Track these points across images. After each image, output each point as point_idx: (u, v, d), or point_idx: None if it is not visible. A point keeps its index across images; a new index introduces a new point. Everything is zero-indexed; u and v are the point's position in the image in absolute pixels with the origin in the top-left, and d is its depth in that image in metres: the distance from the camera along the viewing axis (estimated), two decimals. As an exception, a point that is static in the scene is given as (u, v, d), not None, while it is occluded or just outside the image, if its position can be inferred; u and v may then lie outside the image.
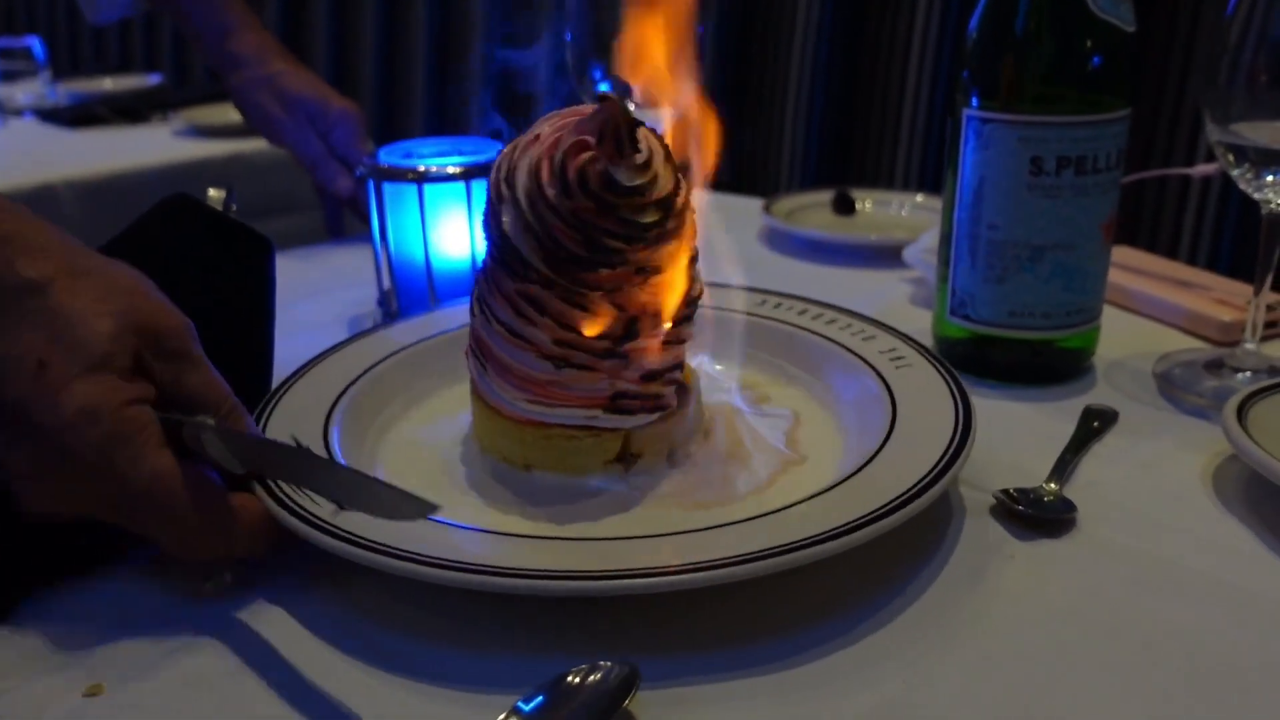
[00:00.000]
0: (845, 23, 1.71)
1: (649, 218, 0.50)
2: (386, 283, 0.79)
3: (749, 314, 0.68)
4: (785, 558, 0.43)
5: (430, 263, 0.76)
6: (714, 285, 0.70)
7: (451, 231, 0.76)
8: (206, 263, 0.61)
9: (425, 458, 0.59)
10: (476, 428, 0.58)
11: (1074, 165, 0.64)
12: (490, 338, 0.54)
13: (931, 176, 1.68)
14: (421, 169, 0.74)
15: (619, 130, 0.48)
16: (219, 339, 0.60)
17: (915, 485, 0.48)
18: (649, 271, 0.51)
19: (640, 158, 0.49)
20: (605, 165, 0.49)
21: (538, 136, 0.51)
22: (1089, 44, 0.63)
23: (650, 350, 0.53)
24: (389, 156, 0.77)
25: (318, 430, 0.56)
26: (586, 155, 0.49)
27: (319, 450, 0.54)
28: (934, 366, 0.60)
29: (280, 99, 1.00)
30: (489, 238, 0.53)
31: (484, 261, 0.54)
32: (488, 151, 0.77)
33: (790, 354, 0.67)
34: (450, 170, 0.74)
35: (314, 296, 0.88)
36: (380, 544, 0.45)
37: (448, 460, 0.58)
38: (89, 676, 0.43)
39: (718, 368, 0.66)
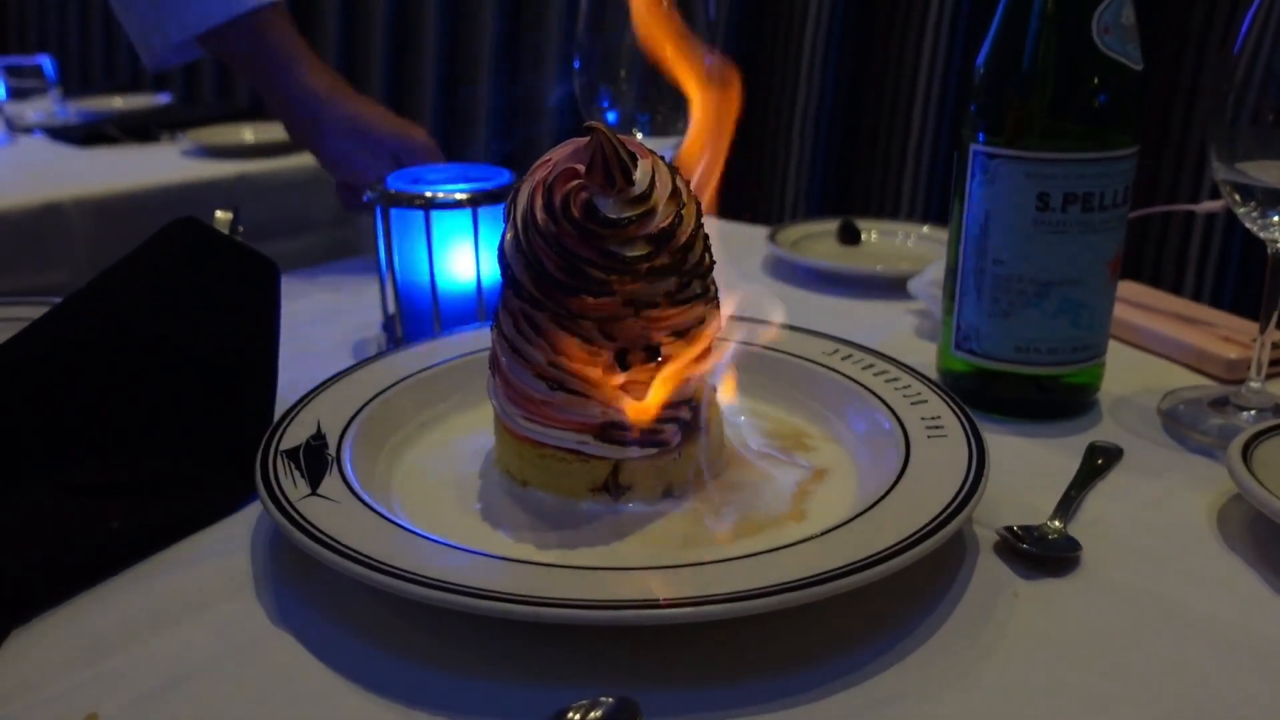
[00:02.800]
0: (851, 53, 1.72)
1: (636, 251, 0.50)
2: (391, 308, 0.79)
3: (805, 359, 0.68)
4: (790, 595, 0.43)
5: (436, 289, 0.76)
6: (770, 325, 0.70)
7: (458, 258, 0.76)
8: (213, 286, 0.62)
9: (436, 475, 0.59)
10: (495, 437, 0.60)
11: (1081, 202, 0.64)
12: (500, 350, 0.55)
13: (935, 207, 1.69)
14: (429, 195, 0.75)
15: (607, 161, 0.49)
16: (224, 362, 0.60)
17: (922, 528, 0.47)
18: (640, 305, 0.51)
19: (636, 190, 0.50)
20: (591, 194, 0.49)
21: (548, 160, 0.52)
22: (1096, 82, 0.63)
23: (644, 385, 0.53)
24: (397, 182, 0.77)
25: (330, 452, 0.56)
26: (574, 183, 0.50)
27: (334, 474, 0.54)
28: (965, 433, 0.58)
29: (364, 140, 0.99)
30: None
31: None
32: (495, 179, 0.77)
33: (840, 408, 0.64)
34: (458, 197, 0.74)
35: (317, 320, 0.88)
36: (374, 559, 0.45)
37: (459, 478, 0.59)
38: (85, 705, 0.42)
39: (749, 406, 0.66)
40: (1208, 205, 0.82)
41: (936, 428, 0.58)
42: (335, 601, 0.49)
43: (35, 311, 0.59)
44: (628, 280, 0.50)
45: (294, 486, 0.51)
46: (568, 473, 0.55)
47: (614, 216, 0.49)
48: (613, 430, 0.53)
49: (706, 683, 0.44)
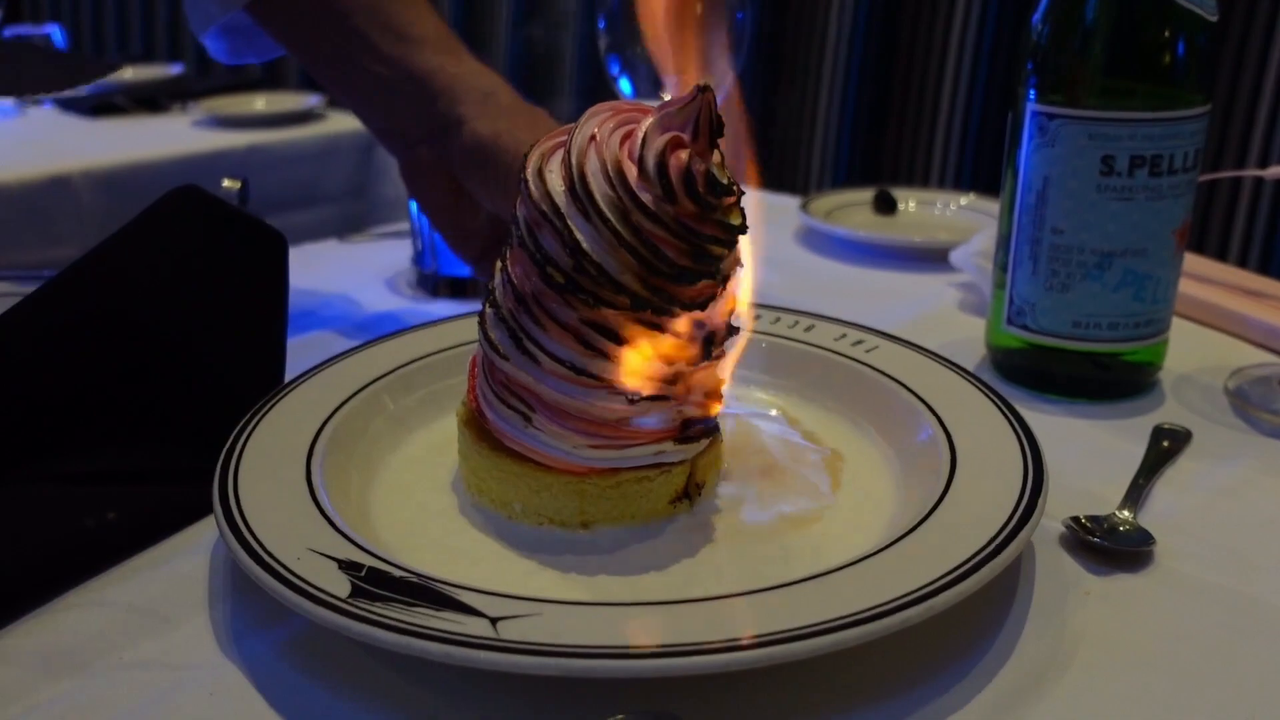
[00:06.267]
0: (882, 13, 1.66)
1: (737, 219, 0.45)
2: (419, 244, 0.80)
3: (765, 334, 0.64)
4: (857, 631, 0.37)
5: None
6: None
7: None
8: (216, 259, 0.58)
9: (413, 500, 0.51)
10: (491, 490, 0.50)
11: (1149, 165, 0.59)
12: (542, 381, 0.46)
13: (968, 173, 1.63)
14: None
15: (711, 124, 0.43)
16: (227, 341, 0.57)
17: (994, 538, 0.43)
18: (727, 280, 0.46)
19: (717, 155, 0.44)
20: (707, 164, 0.43)
21: (593, 137, 0.44)
22: (1168, 34, 0.58)
23: (717, 367, 0.49)
24: None
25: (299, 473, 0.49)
26: (686, 153, 0.43)
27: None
28: (987, 395, 0.55)
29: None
30: (535, 262, 0.45)
31: (510, 292, 0.47)
32: None
33: (800, 373, 0.61)
34: None
35: (334, 290, 0.84)
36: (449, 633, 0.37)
37: (437, 504, 0.51)
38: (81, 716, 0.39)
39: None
40: (1276, 170, 0.77)
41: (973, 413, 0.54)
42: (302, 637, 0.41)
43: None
44: (729, 254, 0.45)
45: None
46: (647, 493, 0.49)
47: (727, 184, 0.43)
48: (689, 427, 0.48)
49: (752, 695, 0.40)
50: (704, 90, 0.42)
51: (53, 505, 0.48)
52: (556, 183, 0.44)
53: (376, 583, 0.40)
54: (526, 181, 0.45)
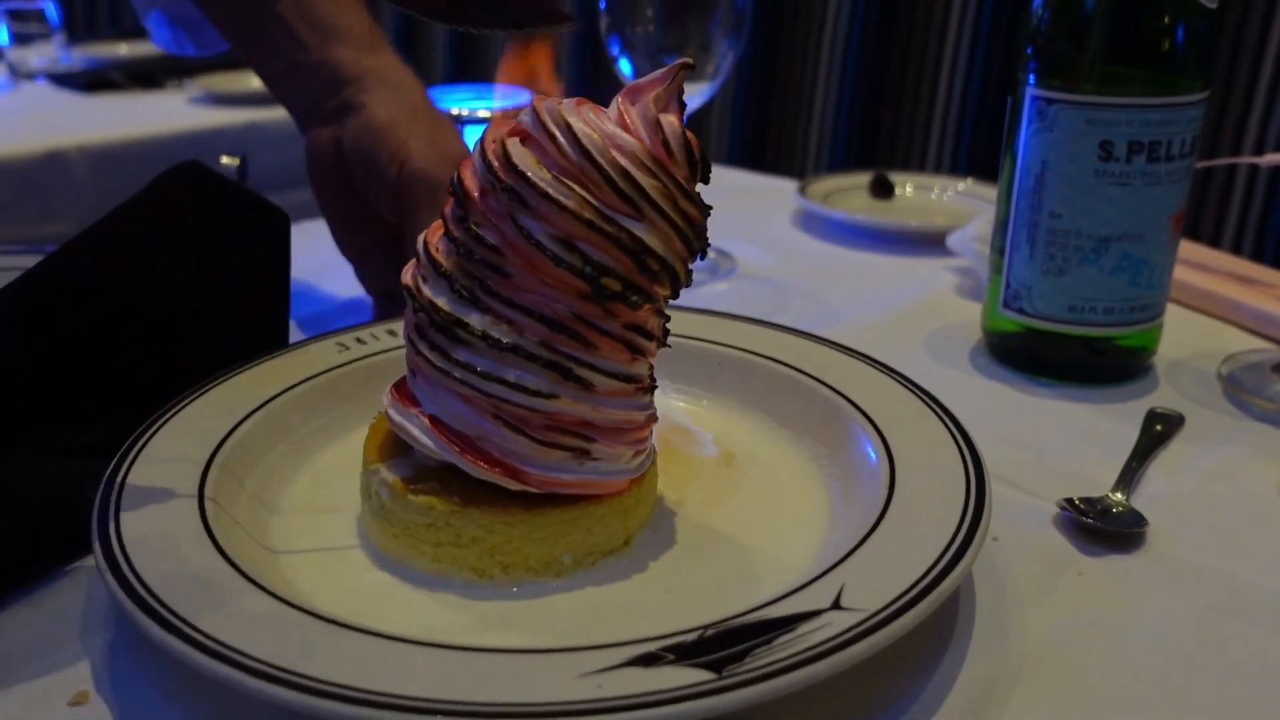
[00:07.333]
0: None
1: None
2: None
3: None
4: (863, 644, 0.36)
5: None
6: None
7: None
8: (218, 236, 0.58)
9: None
10: (531, 557, 0.44)
11: (1146, 151, 0.59)
12: (600, 405, 0.43)
13: (964, 157, 1.64)
14: (456, 112, 0.72)
15: (683, 96, 0.43)
16: (229, 317, 0.57)
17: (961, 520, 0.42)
18: None
19: None
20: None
21: (596, 129, 0.41)
22: (1167, 21, 0.58)
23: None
24: None
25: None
26: (687, 130, 0.42)
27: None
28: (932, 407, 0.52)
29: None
30: (585, 277, 0.41)
31: (532, 325, 0.42)
32: (516, 98, 0.74)
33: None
34: (481, 114, 0.72)
35: (334, 268, 0.84)
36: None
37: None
38: (74, 684, 0.39)
39: None
40: (1273, 158, 0.77)
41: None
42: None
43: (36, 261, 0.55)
44: None
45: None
46: (654, 485, 0.48)
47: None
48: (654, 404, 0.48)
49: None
50: (687, 65, 0.42)
51: (54, 478, 0.49)
52: (576, 187, 0.41)
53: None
54: (548, 195, 0.40)
